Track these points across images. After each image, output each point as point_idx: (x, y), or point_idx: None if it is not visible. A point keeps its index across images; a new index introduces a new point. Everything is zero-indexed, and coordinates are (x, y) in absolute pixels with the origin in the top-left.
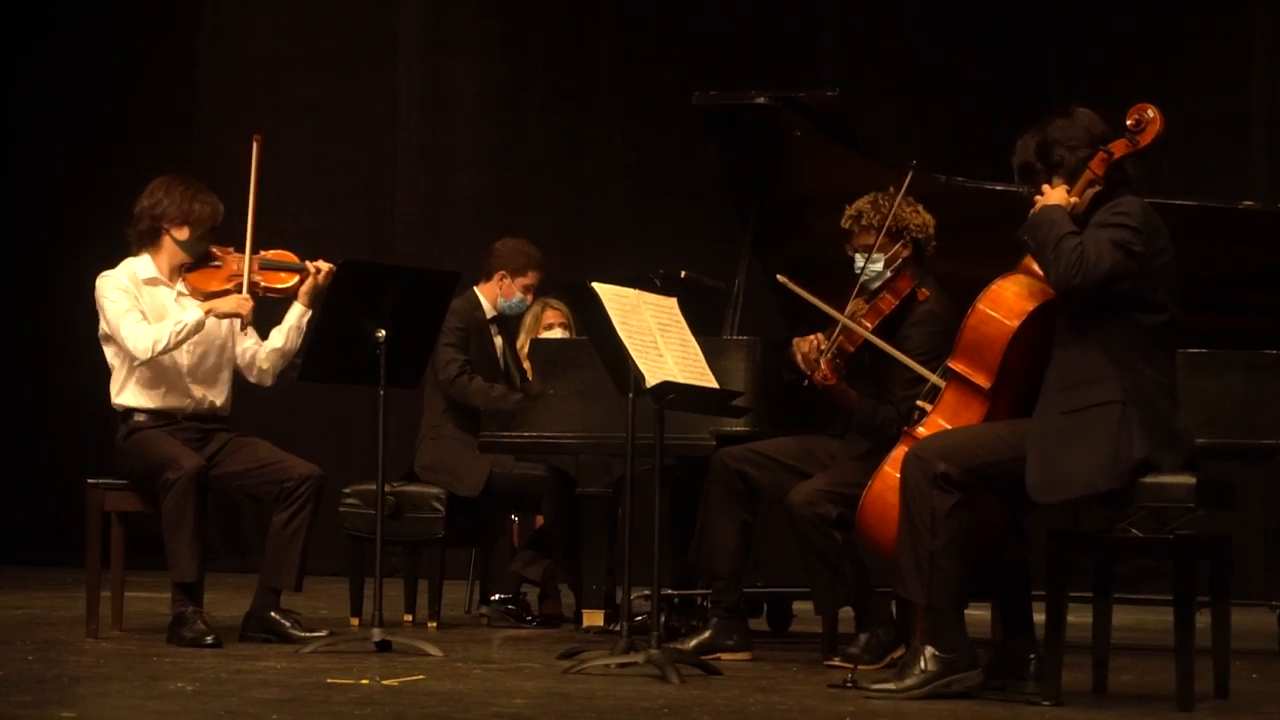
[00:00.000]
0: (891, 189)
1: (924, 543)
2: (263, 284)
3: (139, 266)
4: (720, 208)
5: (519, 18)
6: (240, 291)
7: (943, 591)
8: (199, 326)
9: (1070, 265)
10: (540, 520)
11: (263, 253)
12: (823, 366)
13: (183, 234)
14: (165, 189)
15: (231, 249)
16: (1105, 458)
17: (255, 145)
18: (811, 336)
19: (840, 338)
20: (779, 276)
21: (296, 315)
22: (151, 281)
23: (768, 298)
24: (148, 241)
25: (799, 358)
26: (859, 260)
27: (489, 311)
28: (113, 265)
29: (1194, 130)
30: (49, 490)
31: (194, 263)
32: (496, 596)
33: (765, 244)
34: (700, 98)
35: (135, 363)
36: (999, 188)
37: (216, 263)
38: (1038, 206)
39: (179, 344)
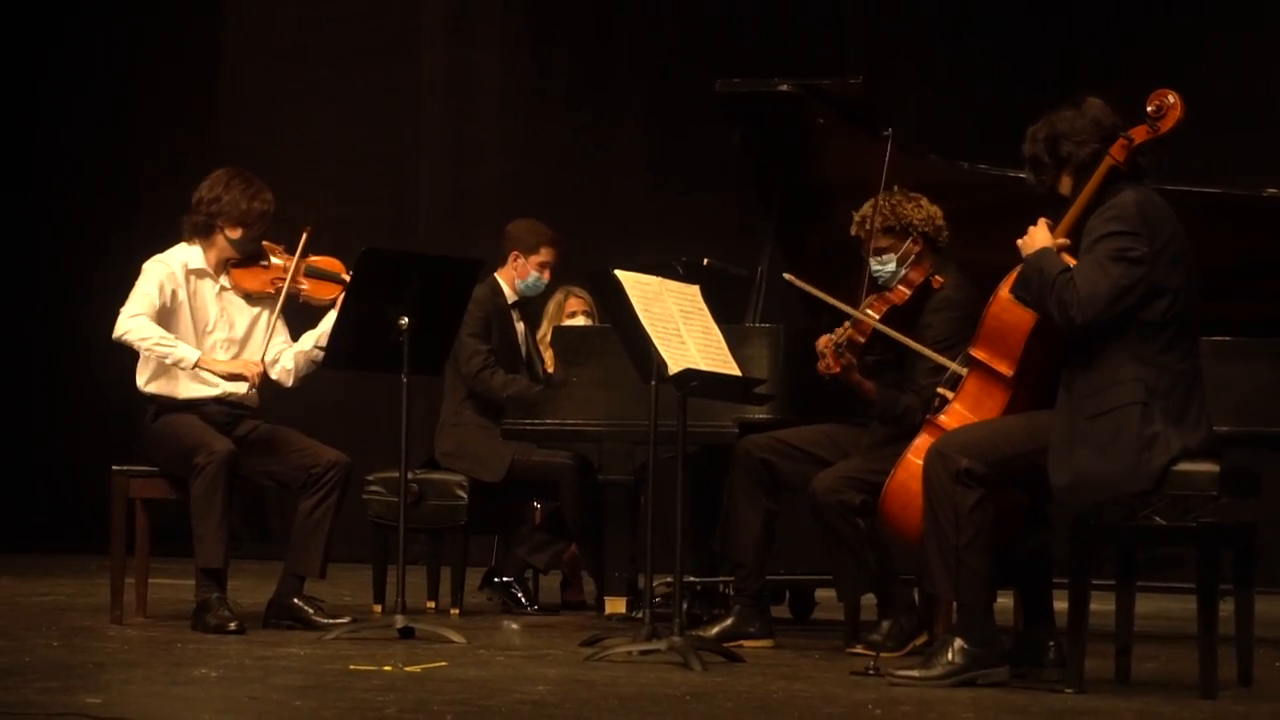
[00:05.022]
0: (896, 187)
1: (949, 539)
2: (304, 292)
3: (190, 256)
4: (743, 198)
5: (543, 8)
6: (279, 295)
7: (971, 587)
8: (177, 363)
9: (1067, 306)
10: (543, 508)
11: (311, 258)
12: (827, 356)
13: (236, 234)
14: (225, 185)
15: (282, 248)
16: (1133, 460)
17: (305, 235)
18: (828, 334)
19: (850, 330)
20: (786, 275)
21: (329, 323)
22: (198, 273)
23: (791, 286)
24: (200, 234)
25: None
26: (873, 264)
27: (510, 297)
28: (135, 258)
29: (1218, 117)
30: (74, 478)
31: (242, 259)
32: (499, 579)
33: (789, 231)
34: (724, 85)
35: (113, 335)
36: (1023, 175)
37: (264, 262)
38: (1025, 253)
39: (150, 353)
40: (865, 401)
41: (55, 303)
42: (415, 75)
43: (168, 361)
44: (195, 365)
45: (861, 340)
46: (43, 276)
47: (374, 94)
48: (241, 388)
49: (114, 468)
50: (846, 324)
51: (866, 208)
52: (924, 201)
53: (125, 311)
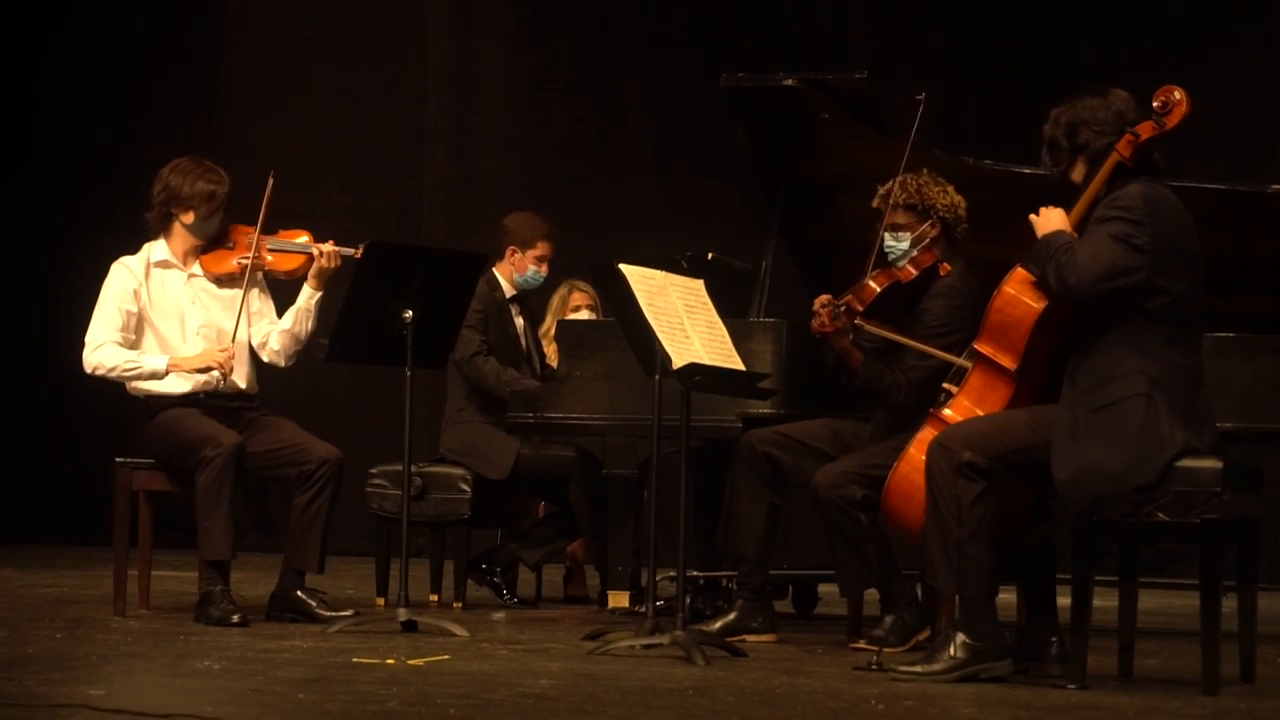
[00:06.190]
0: (926, 170)
1: (951, 532)
2: (268, 265)
3: (154, 250)
4: (746, 191)
5: (546, 1)
6: (243, 275)
7: (972, 580)
8: (152, 376)
9: (1063, 268)
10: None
11: (280, 234)
12: (822, 315)
13: (189, 218)
14: (172, 172)
15: (251, 229)
16: (1135, 454)
17: (270, 182)
18: (828, 294)
19: (850, 295)
20: (858, 321)
21: (305, 298)
22: (163, 264)
23: (795, 280)
24: (161, 226)
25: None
26: (887, 238)
27: (508, 291)
28: (137, 248)
29: (1223, 113)
30: (76, 469)
31: (208, 243)
32: (484, 566)
33: (793, 226)
34: (728, 79)
35: (85, 369)
36: (1027, 170)
37: (229, 244)
38: (1040, 231)
39: (122, 379)
40: (850, 371)
41: (57, 295)
42: (419, 67)
43: (142, 380)
44: (166, 372)
45: (860, 307)
46: (44, 268)
47: (377, 85)
48: (214, 378)
49: (117, 460)
50: (851, 291)
51: (893, 182)
52: (951, 189)
53: (90, 340)
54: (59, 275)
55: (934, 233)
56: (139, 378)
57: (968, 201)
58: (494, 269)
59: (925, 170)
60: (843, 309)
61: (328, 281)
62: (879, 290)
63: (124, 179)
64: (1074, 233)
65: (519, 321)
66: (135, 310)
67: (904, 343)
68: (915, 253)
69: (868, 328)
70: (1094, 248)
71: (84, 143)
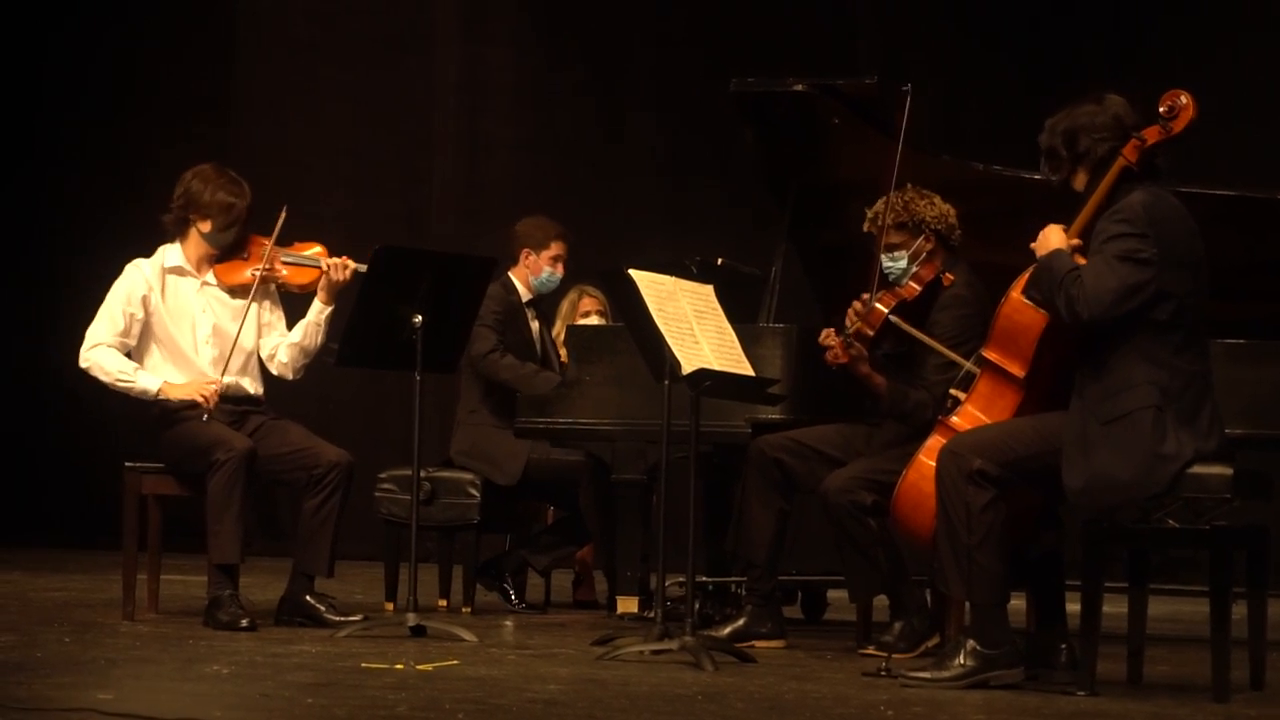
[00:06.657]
0: (910, 185)
1: (961, 539)
2: (282, 278)
3: (168, 255)
4: (755, 195)
5: (554, 3)
6: (254, 285)
7: (982, 587)
8: (141, 394)
9: (1074, 301)
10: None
11: (294, 246)
12: (835, 345)
13: (206, 226)
14: (194, 178)
15: (264, 239)
16: (1147, 464)
17: (281, 215)
18: (832, 327)
19: (859, 321)
20: (892, 318)
21: (315, 312)
22: (176, 270)
23: (804, 285)
24: (178, 231)
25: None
26: (885, 260)
27: (524, 295)
28: (142, 250)
29: (1231, 117)
30: (85, 473)
31: (224, 252)
32: (494, 571)
33: (802, 231)
34: (738, 84)
35: (79, 363)
36: (1036, 176)
37: (244, 254)
38: (1039, 254)
39: (113, 387)
40: (874, 395)
41: (59, 296)
42: (428, 71)
43: (126, 393)
44: (156, 394)
45: (870, 332)
46: (45, 269)
47: (386, 89)
48: (198, 411)
49: (126, 464)
50: (855, 315)
51: (879, 204)
52: (937, 199)
53: (89, 337)
54: (60, 276)
55: (929, 246)
56: (129, 392)
57: (976, 207)
58: (509, 273)
59: (909, 185)
60: (854, 338)
61: (337, 295)
62: (887, 313)
63: (125, 180)
64: (1079, 240)
65: (534, 325)
66: (141, 315)
67: (940, 350)
68: (915, 269)
69: (912, 333)
70: (1101, 274)
71: (84, 143)
